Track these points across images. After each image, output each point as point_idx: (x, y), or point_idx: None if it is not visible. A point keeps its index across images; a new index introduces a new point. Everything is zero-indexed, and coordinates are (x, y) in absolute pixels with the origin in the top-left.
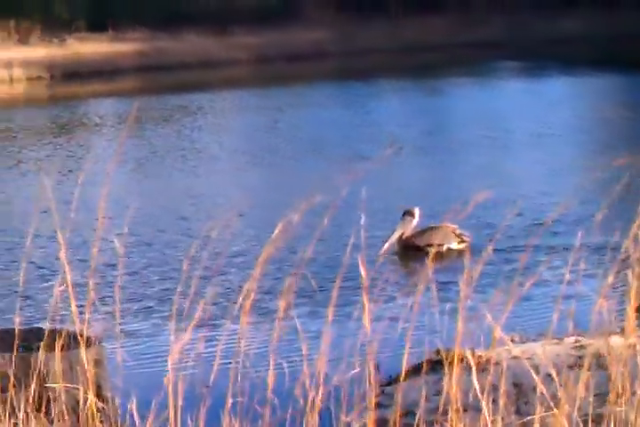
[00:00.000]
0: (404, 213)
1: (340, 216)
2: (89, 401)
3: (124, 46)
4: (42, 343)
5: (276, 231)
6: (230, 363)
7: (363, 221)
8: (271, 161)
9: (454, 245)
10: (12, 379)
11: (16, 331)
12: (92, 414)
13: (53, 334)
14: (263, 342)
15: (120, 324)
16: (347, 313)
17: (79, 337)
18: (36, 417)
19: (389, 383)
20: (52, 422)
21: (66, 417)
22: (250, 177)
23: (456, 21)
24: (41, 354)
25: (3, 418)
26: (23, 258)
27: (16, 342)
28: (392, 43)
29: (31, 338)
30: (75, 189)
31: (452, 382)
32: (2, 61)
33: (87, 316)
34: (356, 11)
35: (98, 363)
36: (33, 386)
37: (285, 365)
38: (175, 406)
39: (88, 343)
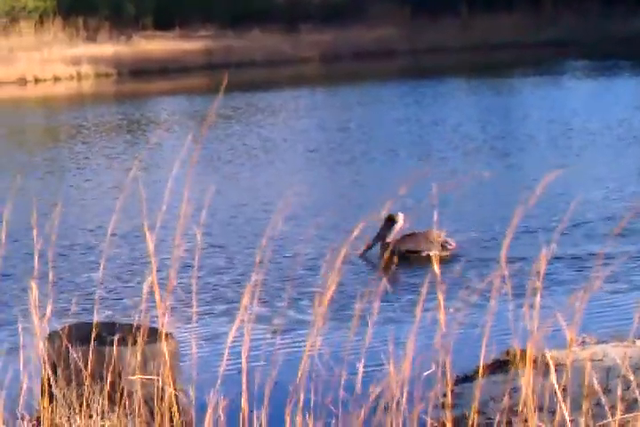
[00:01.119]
0: (387, 219)
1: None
2: (167, 393)
3: (191, 44)
4: (116, 337)
5: (354, 233)
6: (302, 360)
7: (435, 218)
8: (343, 160)
9: (435, 252)
10: (88, 372)
11: (91, 325)
12: (170, 406)
13: (128, 327)
14: (336, 340)
15: (195, 319)
16: (414, 313)
17: (154, 331)
18: (111, 410)
19: (457, 383)
20: (126, 414)
21: (141, 410)
22: (321, 176)
23: (525, 20)
24: (116, 347)
25: (79, 410)
26: (102, 255)
27: (91, 335)
28: (461, 41)
29: (106, 332)
30: (147, 187)
31: (526, 383)
32: (70, 58)
33: (161, 310)
34: (424, 9)
35: (173, 356)
36: (109, 379)
37: (360, 365)
38: (248, 401)
39: (163, 337)
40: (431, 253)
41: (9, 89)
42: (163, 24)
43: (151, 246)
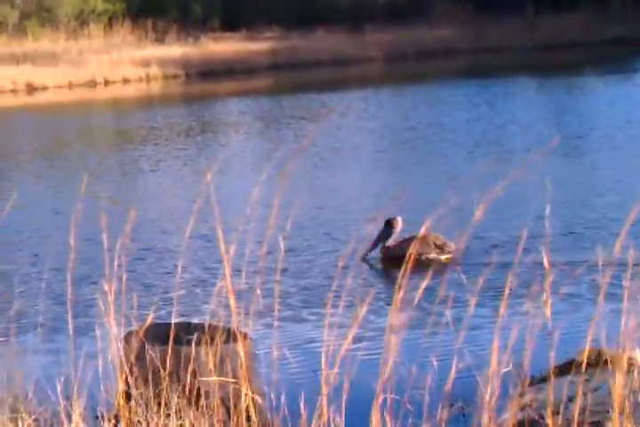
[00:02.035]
0: (386, 223)
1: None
2: (243, 394)
3: (257, 45)
4: (192, 337)
5: (422, 230)
6: (378, 359)
7: (547, 211)
8: (412, 160)
9: (434, 256)
10: (165, 371)
11: (167, 325)
12: (248, 406)
13: (203, 328)
14: (412, 339)
15: (274, 321)
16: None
17: (229, 331)
18: (187, 409)
19: (532, 383)
20: (203, 414)
21: (218, 410)
22: (391, 177)
23: (592, 19)
24: (192, 347)
25: (156, 410)
26: (179, 257)
27: (168, 335)
28: (526, 40)
29: (182, 332)
30: (221, 189)
31: (617, 383)
32: (139, 60)
33: (237, 310)
34: (487, 8)
35: (250, 357)
36: (185, 379)
37: (434, 360)
38: (326, 400)
39: (239, 338)
40: (430, 257)
41: (79, 91)
42: (229, 25)
43: (223, 248)
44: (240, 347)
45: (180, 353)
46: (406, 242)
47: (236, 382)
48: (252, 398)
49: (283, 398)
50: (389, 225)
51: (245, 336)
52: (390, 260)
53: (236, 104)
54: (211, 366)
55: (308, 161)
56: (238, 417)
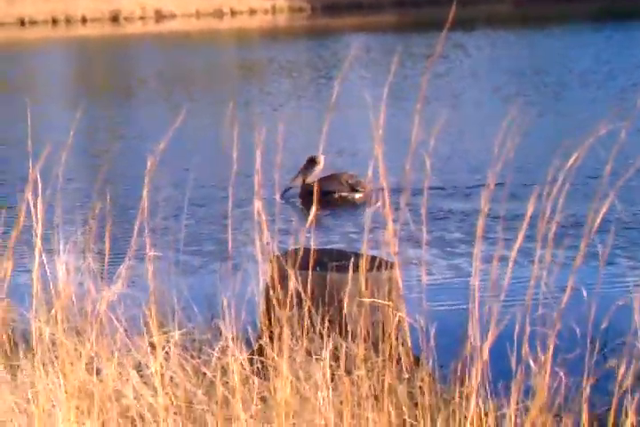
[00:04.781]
0: (309, 160)
1: None
2: (393, 319)
3: None
4: (338, 263)
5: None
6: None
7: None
8: (548, 106)
9: (345, 194)
10: (309, 297)
11: (313, 251)
12: (396, 332)
13: (348, 254)
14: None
15: (425, 249)
16: None
17: (374, 259)
18: (332, 333)
19: None
20: (345, 339)
21: (366, 334)
22: (523, 122)
23: None
24: (337, 273)
25: (300, 333)
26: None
27: (313, 260)
28: None
29: (327, 258)
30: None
31: None
32: None
33: (390, 238)
34: None
35: (394, 285)
36: (331, 303)
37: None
38: (473, 330)
39: (386, 266)
40: (343, 195)
41: (206, 20)
42: None
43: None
44: (389, 274)
45: (325, 279)
46: (324, 180)
47: (391, 306)
48: (407, 323)
49: (431, 328)
50: (312, 162)
51: (391, 264)
52: (308, 196)
53: (360, 40)
54: (355, 292)
55: (432, 102)
56: (390, 342)
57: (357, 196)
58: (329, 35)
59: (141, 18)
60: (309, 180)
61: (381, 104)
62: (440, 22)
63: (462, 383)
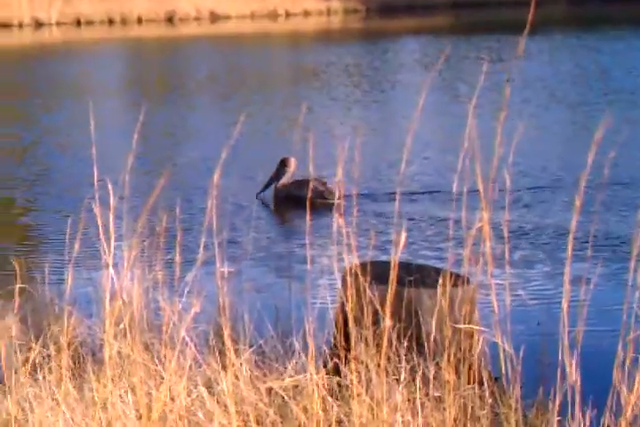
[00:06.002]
0: (281, 162)
1: None
2: (477, 341)
3: None
4: (414, 277)
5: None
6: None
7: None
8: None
9: (318, 200)
10: (387, 311)
11: (388, 264)
12: (479, 355)
13: (425, 269)
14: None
15: (508, 267)
16: None
17: (451, 274)
18: (410, 352)
19: None
20: (425, 359)
21: (449, 355)
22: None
23: None
24: (414, 289)
25: (375, 351)
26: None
27: (389, 274)
28: None
29: (403, 272)
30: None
31: None
32: None
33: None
34: None
35: (472, 303)
36: (407, 321)
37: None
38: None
39: (462, 282)
40: (317, 200)
41: (260, 22)
42: None
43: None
44: (465, 292)
45: (402, 293)
46: (294, 184)
47: (485, 332)
48: (503, 349)
49: (519, 353)
50: (283, 164)
51: (468, 280)
52: (280, 199)
53: (414, 43)
54: (432, 308)
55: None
56: (470, 365)
57: (328, 201)
58: (383, 37)
59: (196, 19)
60: (283, 181)
61: (467, 113)
62: (493, 25)
63: (550, 411)
